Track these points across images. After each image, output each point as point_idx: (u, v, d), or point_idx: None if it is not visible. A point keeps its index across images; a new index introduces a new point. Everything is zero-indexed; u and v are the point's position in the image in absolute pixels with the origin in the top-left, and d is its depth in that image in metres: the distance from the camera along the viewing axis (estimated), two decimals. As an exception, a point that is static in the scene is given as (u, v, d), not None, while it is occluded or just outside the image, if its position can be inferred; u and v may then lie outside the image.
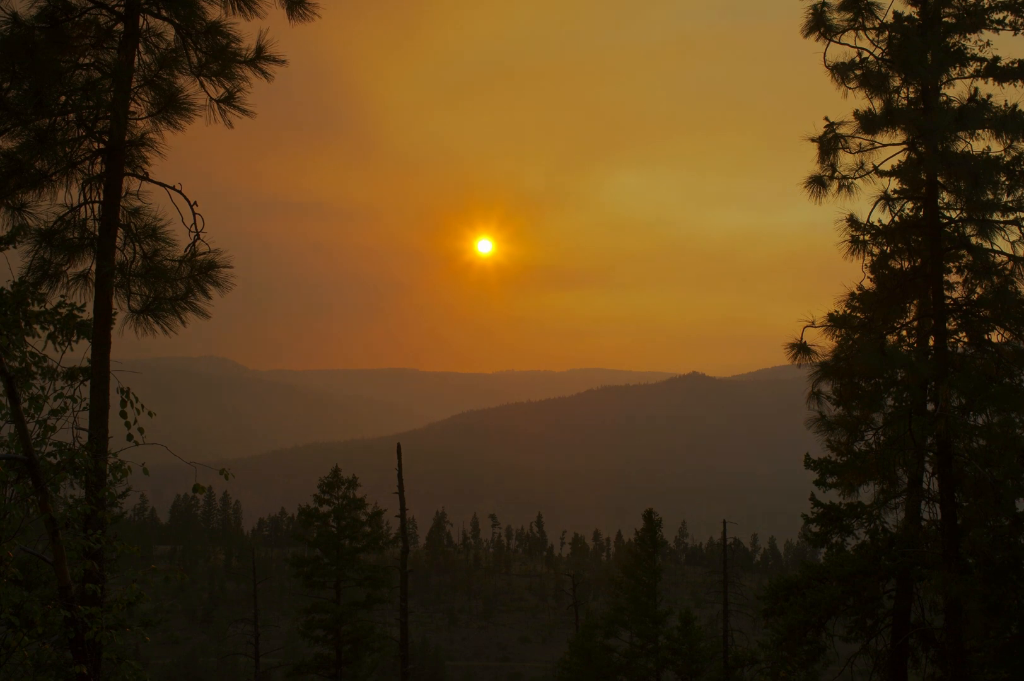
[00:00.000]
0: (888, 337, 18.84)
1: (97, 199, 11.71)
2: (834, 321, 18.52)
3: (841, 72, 18.17)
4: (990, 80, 17.90)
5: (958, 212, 18.30)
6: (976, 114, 17.08)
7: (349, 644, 37.55)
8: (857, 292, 19.52)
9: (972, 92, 17.60)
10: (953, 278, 19.02)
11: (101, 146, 11.67)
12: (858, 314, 19.31)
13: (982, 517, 18.90)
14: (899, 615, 21.29)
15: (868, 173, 18.38)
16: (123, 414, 9.43)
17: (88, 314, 10.82)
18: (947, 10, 18.09)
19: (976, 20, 17.78)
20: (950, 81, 18.13)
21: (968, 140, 17.63)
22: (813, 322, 18.31)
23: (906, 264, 19.49)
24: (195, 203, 11.66)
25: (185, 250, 11.93)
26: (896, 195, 18.54)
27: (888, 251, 19.42)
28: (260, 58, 11.82)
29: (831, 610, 21.11)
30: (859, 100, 18.34)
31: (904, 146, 18.47)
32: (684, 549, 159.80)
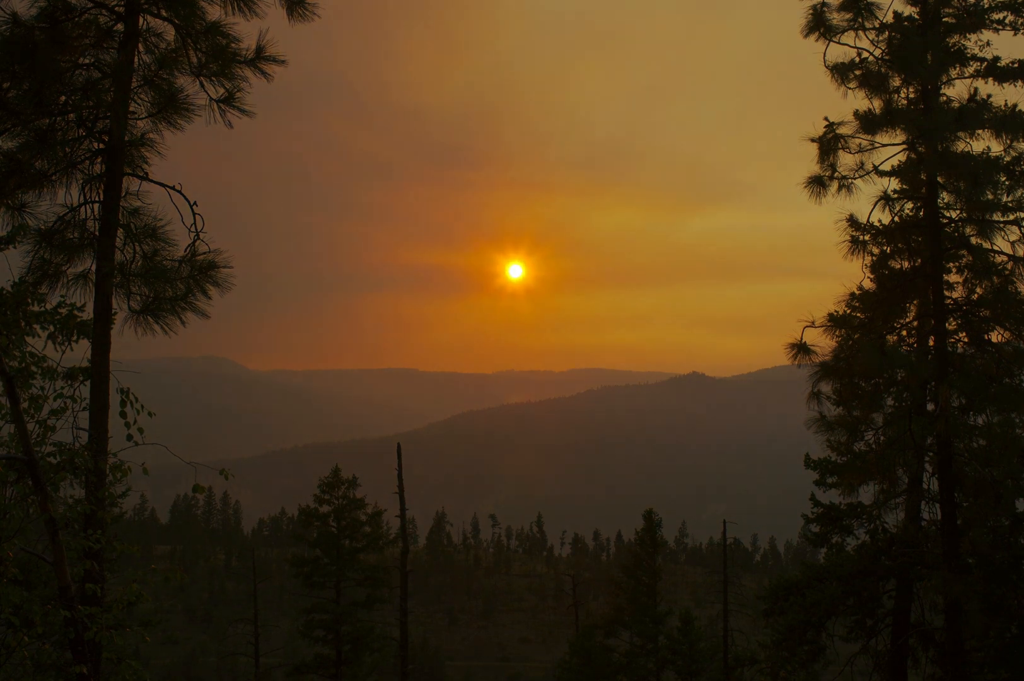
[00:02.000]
0: (888, 337, 18.85)
1: (97, 199, 11.70)
2: (834, 321, 18.52)
3: (841, 72, 18.17)
4: (990, 80, 17.91)
5: (958, 212, 18.30)
6: (976, 114, 17.09)
7: (349, 644, 37.56)
8: (857, 292, 19.52)
9: (972, 92, 17.61)
10: (953, 278, 19.03)
11: (101, 146, 11.67)
12: (858, 314, 19.31)
13: (982, 517, 18.89)
14: (899, 615, 21.28)
15: (868, 173, 18.38)
16: (123, 414, 9.42)
17: (88, 314, 10.81)
18: (947, 10, 18.09)
19: (976, 20, 17.78)
20: (950, 81, 18.13)
21: (968, 140, 17.63)
22: (813, 322, 18.32)
23: (906, 264, 19.49)
24: (195, 203, 11.66)
25: (185, 250, 11.92)
26: (896, 195, 18.53)
27: (888, 251, 19.42)
28: (260, 58, 11.81)
29: (831, 610, 21.10)
30: (859, 100, 18.37)
31: (904, 146, 18.47)
32: (684, 549, 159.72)
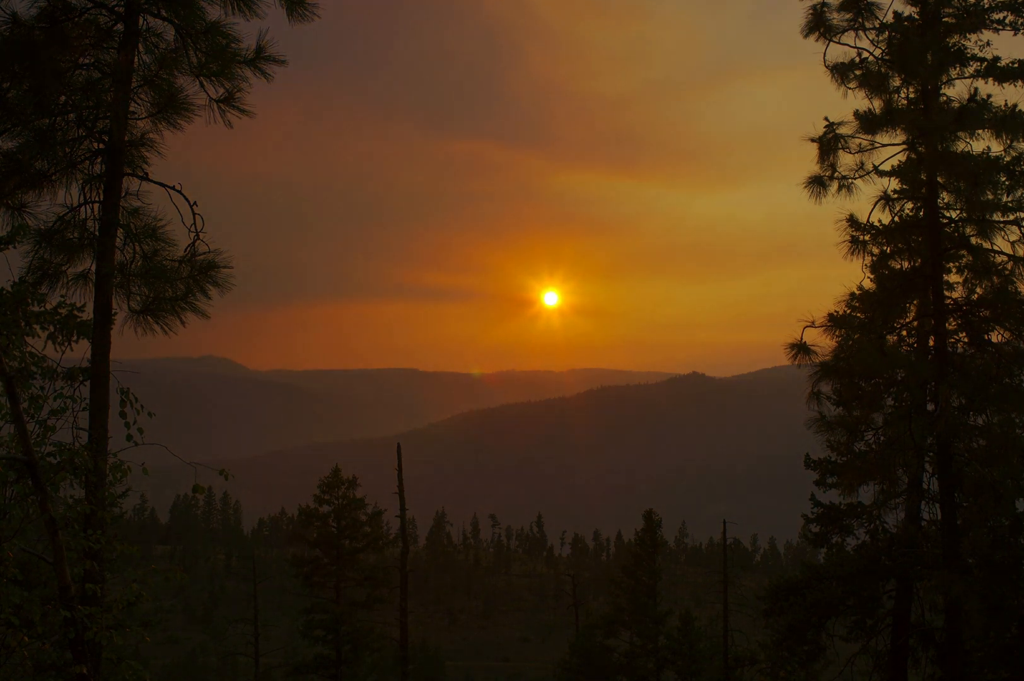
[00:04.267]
0: (888, 337, 18.86)
1: (97, 199, 11.70)
2: (834, 321, 18.53)
3: (841, 72, 18.18)
4: (990, 80, 17.93)
5: (958, 212, 18.32)
6: (976, 114, 17.10)
7: (349, 644, 37.57)
8: (857, 292, 19.53)
9: (972, 92, 17.61)
10: (953, 278, 19.05)
11: (101, 146, 11.66)
12: (858, 314, 19.32)
13: (982, 517, 18.90)
14: (899, 615, 21.27)
15: (868, 173, 18.40)
16: (123, 414, 9.42)
17: (88, 314, 10.78)
18: (947, 10, 18.10)
19: (976, 20, 17.79)
20: (950, 81, 18.15)
21: (968, 140, 17.65)
22: (813, 322, 18.32)
23: (906, 264, 19.50)
24: (195, 203, 11.66)
25: (185, 250, 11.92)
26: (896, 195, 18.55)
27: (888, 251, 19.42)
28: (260, 58, 11.80)
29: (831, 610, 21.09)
30: (859, 100, 18.38)
31: (904, 146, 18.48)
32: (684, 549, 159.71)
